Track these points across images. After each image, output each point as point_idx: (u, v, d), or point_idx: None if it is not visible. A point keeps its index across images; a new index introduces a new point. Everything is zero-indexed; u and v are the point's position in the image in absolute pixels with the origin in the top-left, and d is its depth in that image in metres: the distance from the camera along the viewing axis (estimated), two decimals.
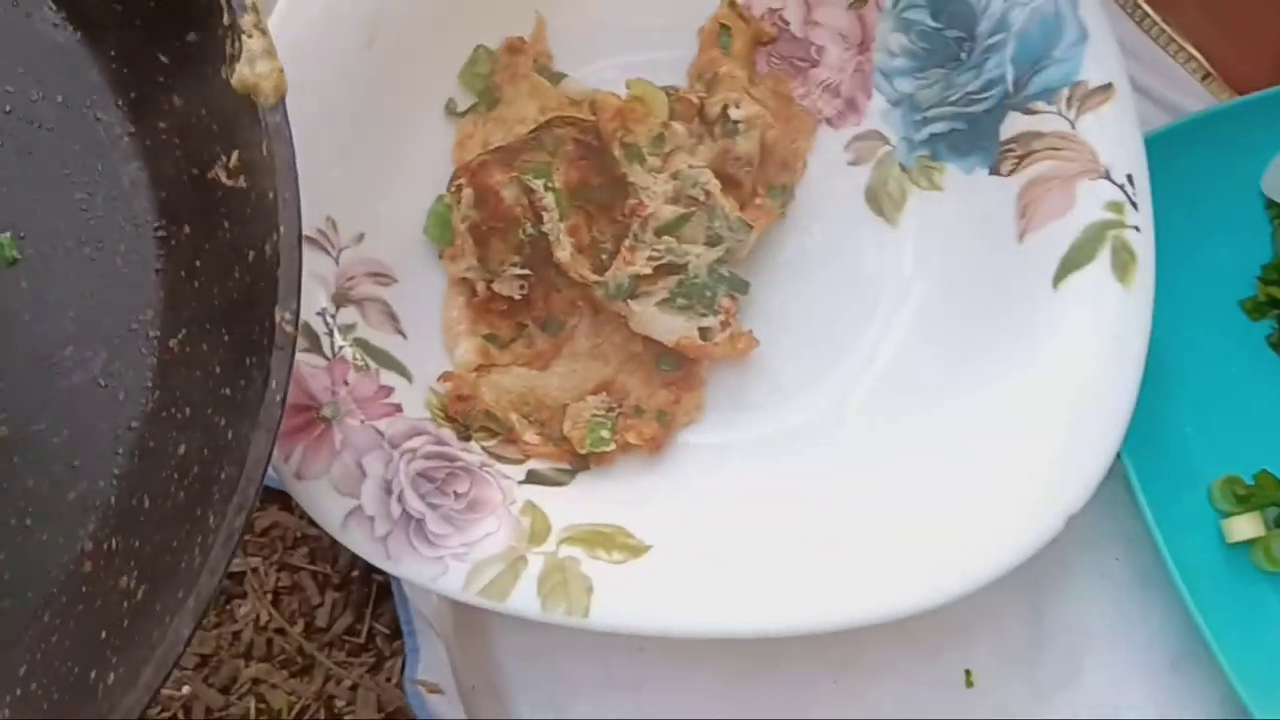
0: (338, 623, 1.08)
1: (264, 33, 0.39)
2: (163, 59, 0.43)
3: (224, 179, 0.41)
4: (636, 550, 0.44)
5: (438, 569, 0.43)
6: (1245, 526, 0.48)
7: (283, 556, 1.10)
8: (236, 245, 0.40)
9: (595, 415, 0.47)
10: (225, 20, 0.39)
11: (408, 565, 0.43)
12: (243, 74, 0.39)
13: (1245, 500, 0.48)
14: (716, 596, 0.43)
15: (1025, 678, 0.47)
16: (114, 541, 0.39)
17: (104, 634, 0.37)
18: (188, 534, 0.36)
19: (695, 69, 0.52)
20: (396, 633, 1.07)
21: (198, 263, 0.43)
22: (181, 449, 0.40)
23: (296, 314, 0.37)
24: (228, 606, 1.08)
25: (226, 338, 0.40)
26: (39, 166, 0.43)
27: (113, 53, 0.44)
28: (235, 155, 0.41)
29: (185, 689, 1.07)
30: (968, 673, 0.47)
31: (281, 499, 1.12)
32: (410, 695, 0.97)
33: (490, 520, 0.44)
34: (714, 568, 0.44)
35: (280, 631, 1.09)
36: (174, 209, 0.44)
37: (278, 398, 0.35)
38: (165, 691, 1.06)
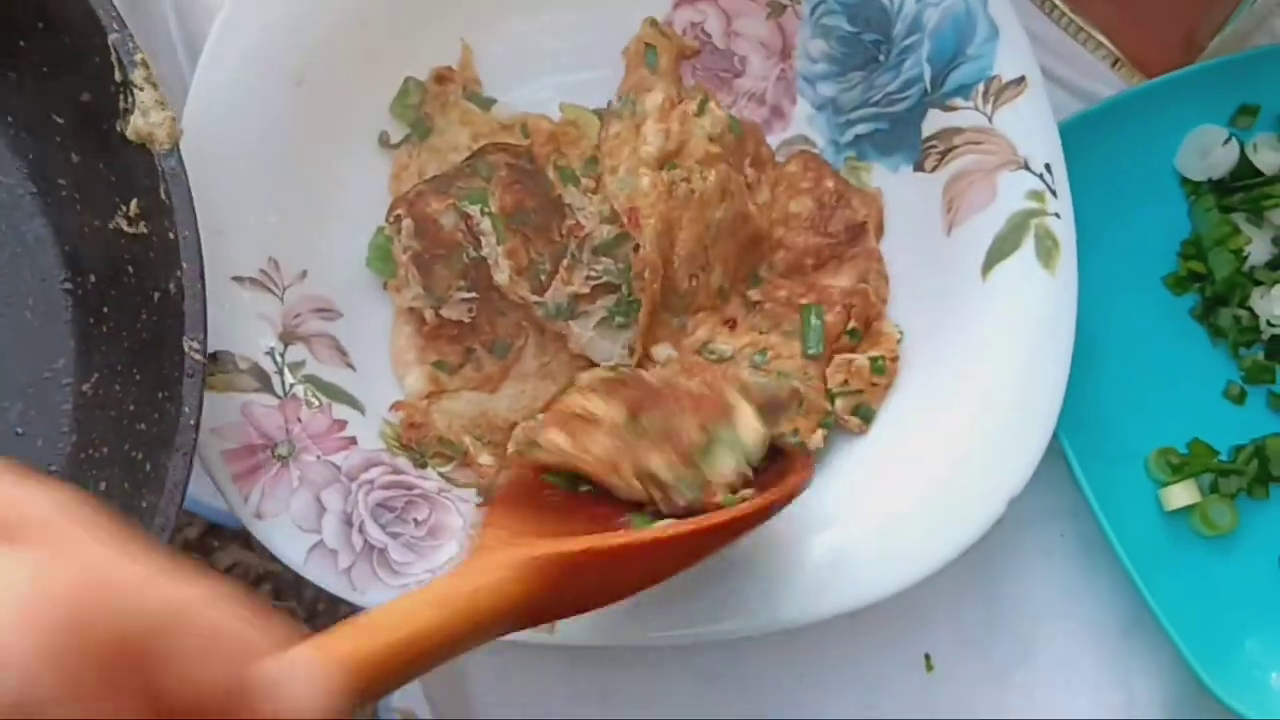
0: None
1: (155, 85, 0.42)
2: (58, 120, 0.45)
3: (125, 227, 0.43)
4: None
5: None
6: (1181, 494, 0.49)
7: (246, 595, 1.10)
8: (142, 287, 0.42)
9: None
10: (117, 77, 0.41)
11: (373, 595, 0.43)
12: (137, 125, 0.41)
13: (1179, 469, 0.50)
14: (678, 604, 0.44)
15: (982, 657, 0.48)
16: None
17: None
18: None
19: (625, 87, 0.53)
20: None
21: (105, 309, 0.44)
22: (102, 485, 0.41)
23: (204, 343, 0.39)
24: None
25: (138, 376, 0.42)
26: None
27: (10, 118, 0.46)
28: (134, 203, 0.43)
29: None
30: (927, 657, 0.48)
31: (242, 538, 1.12)
32: None
33: (452, 545, 0.45)
34: (674, 577, 0.45)
35: None
36: (79, 260, 0.45)
37: (191, 422, 0.38)
38: None
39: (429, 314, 0.50)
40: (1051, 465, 0.48)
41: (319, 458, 0.46)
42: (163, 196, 0.40)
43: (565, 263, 0.49)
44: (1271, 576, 0.49)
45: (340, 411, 0.48)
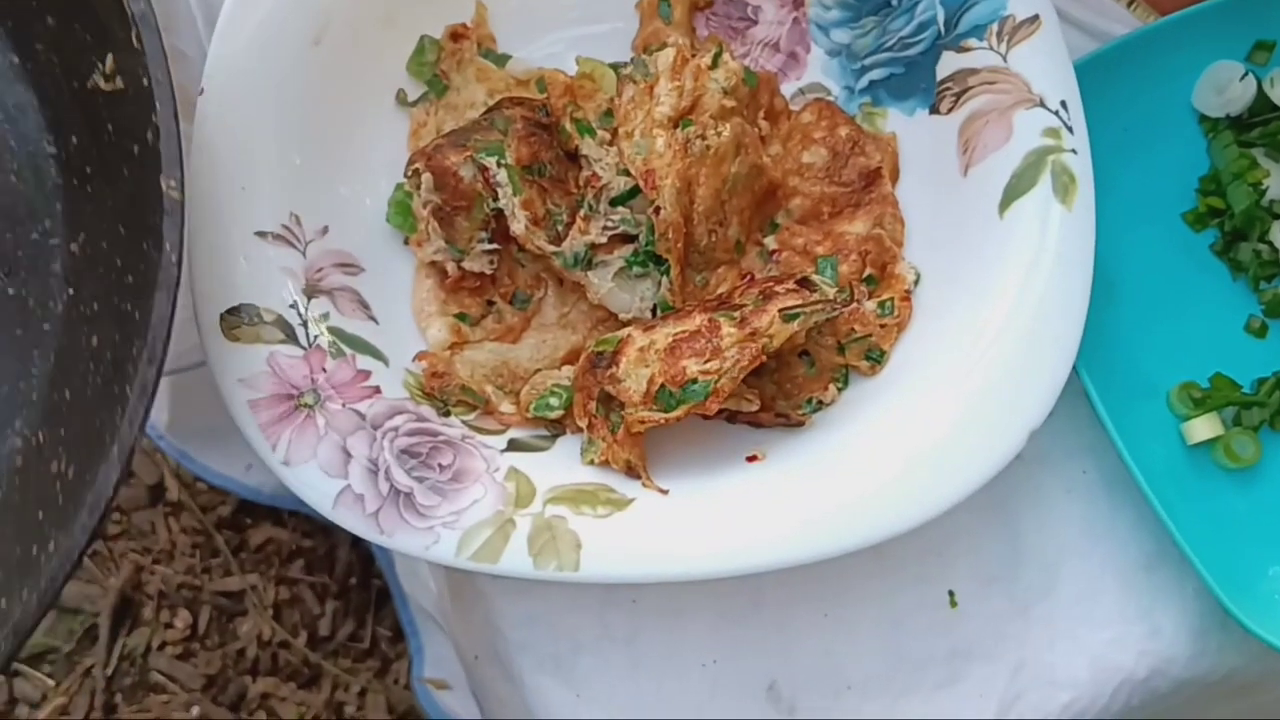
0: (340, 630, 1.09)
1: None
2: None
3: (103, 85, 0.43)
4: (620, 504, 0.45)
5: (430, 538, 0.44)
6: (1204, 428, 0.50)
7: (280, 571, 1.11)
8: (121, 144, 0.42)
9: (556, 385, 0.48)
10: None
11: (401, 538, 0.44)
12: None
13: (1202, 403, 0.50)
14: (702, 540, 0.44)
15: (1005, 593, 0.48)
16: (41, 435, 0.42)
17: (41, 514, 0.40)
18: (109, 411, 0.39)
19: (640, 40, 0.53)
20: (399, 635, 1.08)
21: (88, 169, 0.45)
22: (94, 340, 0.42)
23: (181, 180, 0.39)
24: (230, 625, 1.09)
25: (124, 231, 0.42)
26: None
27: None
28: (110, 59, 0.43)
29: (194, 710, 1.07)
30: (951, 594, 0.48)
31: (273, 515, 1.13)
32: (420, 694, 0.98)
33: (476, 488, 0.45)
34: (697, 513, 0.45)
35: (284, 645, 1.10)
36: (61, 124, 0.46)
37: (173, 258, 0.38)
38: (176, 716, 1.07)
39: (451, 267, 0.51)
40: (1072, 403, 0.48)
41: (344, 406, 0.47)
42: (135, 43, 0.41)
43: (582, 213, 0.50)
44: None
45: (364, 362, 0.48)
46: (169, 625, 1.09)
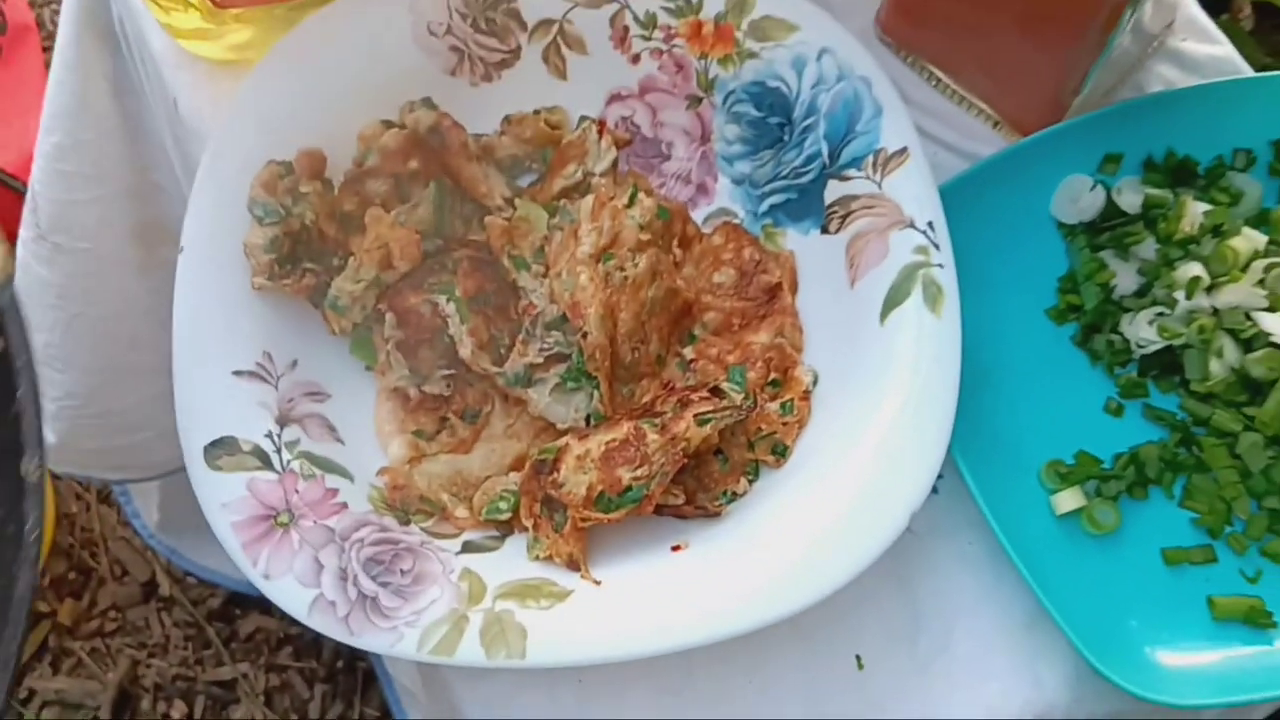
0: (330, 713, 1.14)
1: None
2: None
3: None
4: (561, 595, 0.51)
5: (394, 637, 0.50)
6: (1069, 500, 0.56)
7: (269, 658, 1.16)
8: None
9: (505, 490, 0.55)
10: None
11: (368, 638, 0.50)
12: None
13: (1067, 478, 0.56)
14: (635, 623, 0.50)
15: (907, 654, 0.54)
16: None
17: None
18: None
19: (553, 188, 0.61)
20: (386, 714, 1.13)
21: None
22: None
23: (42, 462, 0.40)
24: (224, 713, 1.14)
25: None
26: None
27: None
28: None
29: None
30: (858, 658, 0.54)
31: (261, 605, 1.18)
32: None
33: (434, 589, 0.51)
34: (630, 599, 0.51)
35: None
36: None
37: (33, 536, 0.40)
38: None
39: (413, 391, 0.58)
40: (960, 482, 0.55)
41: (315, 522, 0.53)
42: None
43: (521, 338, 0.57)
44: (1152, 565, 0.55)
45: (332, 480, 0.55)
46: (166, 716, 1.14)
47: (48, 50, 1.45)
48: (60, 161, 0.80)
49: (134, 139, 0.80)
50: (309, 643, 1.16)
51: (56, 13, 1.47)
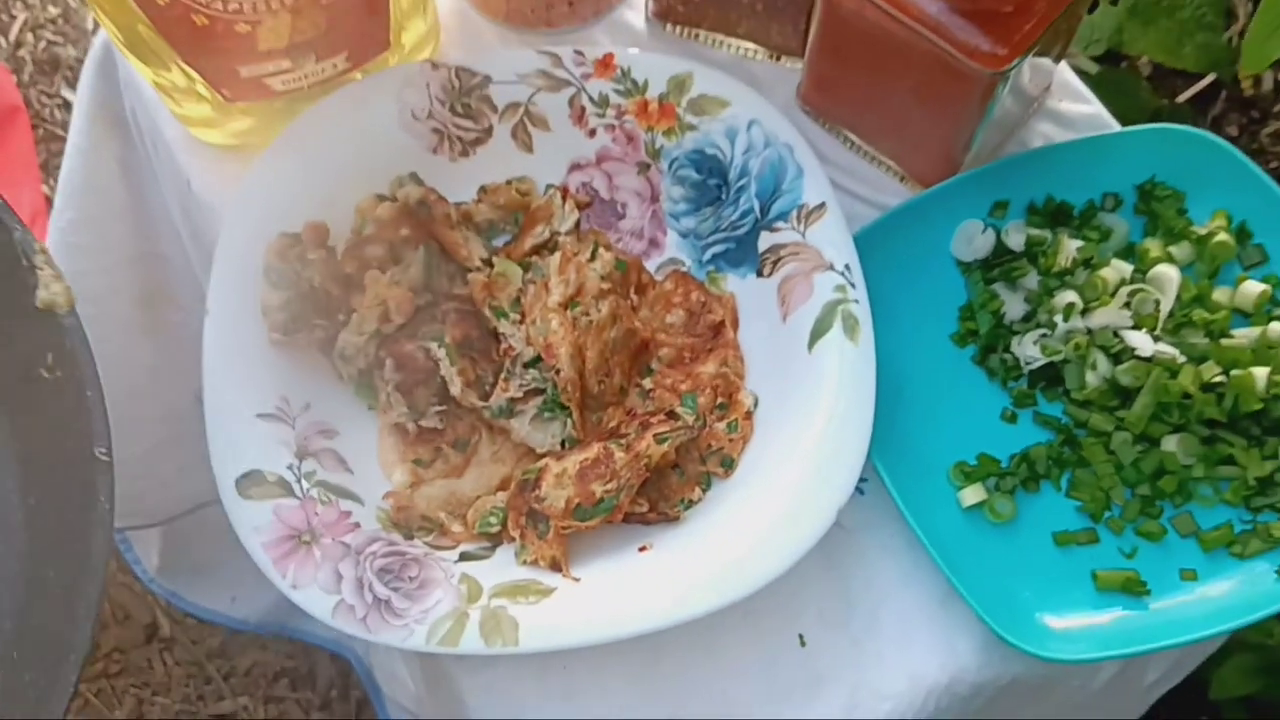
0: None
1: (52, 265, 0.54)
2: None
3: (45, 375, 0.53)
4: (545, 592, 0.60)
5: (406, 633, 0.58)
6: (973, 495, 0.63)
7: (267, 690, 1.23)
8: (63, 423, 0.51)
9: (494, 507, 0.64)
10: (25, 264, 0.54)
11: (384, 634, 0.58)
12: (41, 298, 0.53)
13: (971, 476, 0.64)
14: (609, 612, 0.58)
15: (842, 632, 0.63)
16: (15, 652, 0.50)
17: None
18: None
19: (526, 245, 0.70)
20: None
21: (40, 444, 0.53)
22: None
23: (109, 449, 0.48)
24: None
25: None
26: None
27: None
28: (50, 356, 0.52)
29: None
30: (800, 636, 0.63)
31: (258, 640, 1.25)
32: None
33: (438, 592, 0.60)
34: (604, 592, 0.60)
35: None
36: (12, 410, 0.54)
37: (107, 507, 0.49)
38: None
39: (411, 426, 0.66)
40: (881, 485, 0.64)
41: (333, 540, 0.61)
42: (66, 347, 0.51)
43: (503, 376, 0.66)
44: (1044, 547, 0.63)
45: (345, 504, 0.63)
46: None
47: (36, 128, 1.54)
48: (73, 235, 0.88)
49: (140, 214, 0.88)
50: (305, 674, 1.22)
51: (44, 93, 1.55)
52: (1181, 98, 1.32)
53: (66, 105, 1.56)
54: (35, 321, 0.53)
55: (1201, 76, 1.31)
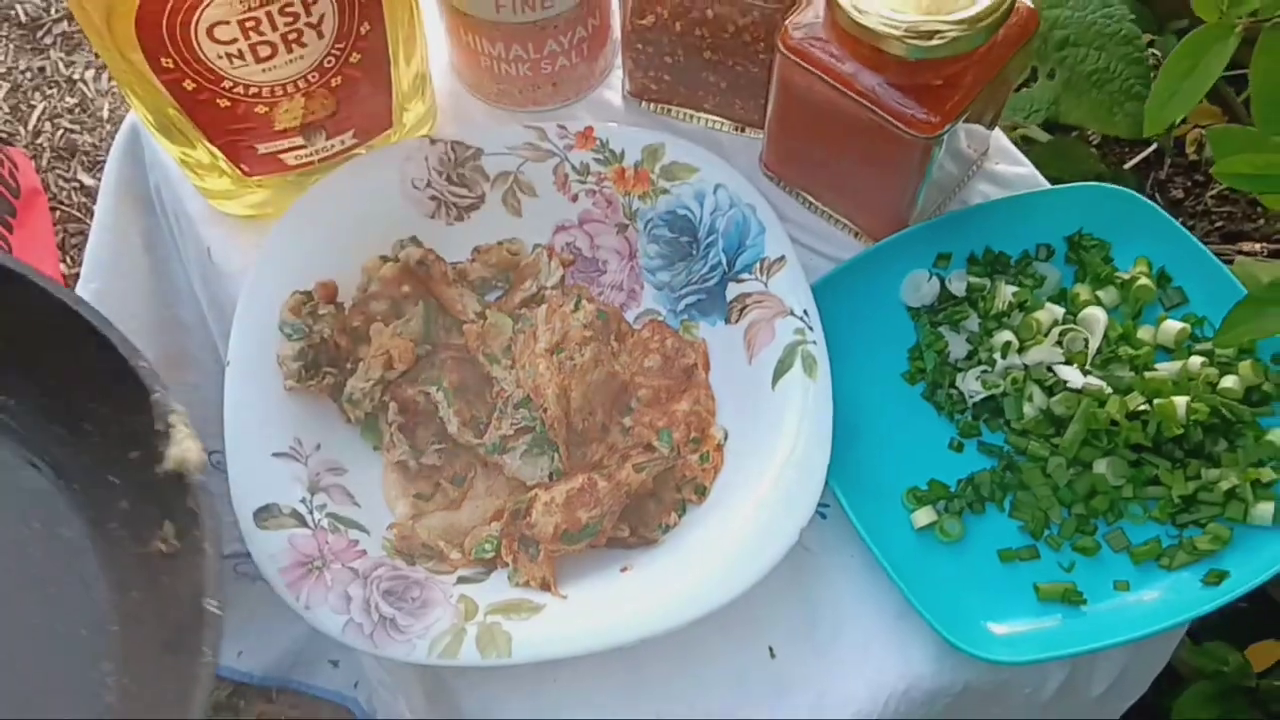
0: None
1: (186, 424, 0.51)
2: (113, 480, 0.53)
3: (162, 548, 0.49)
4: (536, 609, 0.65)
5: (409, 647, 0.64)
6: (924, 516, 0.68)
7: None
8: (175, 589, 0.48)
9: (489, 536, 0.70)
10: (159, 427, 0.50)
11: (390, 649, 0.64)
12: (173, 455, 0.49)
13: (923, 499, 0.69)
14: (593, 626, 0.64)
15: (808, 644, 0.68)
16: None
17: None
18: None
19: (517, 299, 0.78)
20: None
21: (143, 613, 0.50)
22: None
23: (221, 603, 0.45)
24: None
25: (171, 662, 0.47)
26: (18, 575, 0.53)
27: (74, 485, 0.54)
28: (169, 526, 0.49)
29: None
30: (770, 648, 0.69)
31: (264, 694, 1.29)
32: None
33: (438, 610, 0.66)
34: (589, 609, 0.66)
35: None
36: (125, 584, 0.51)
37: (211, 659, 0.44)
38: None
39: (413, 463, 0.73)
40: (841, 510, 0.71)
41: (343, 566, 0.67)
42: (193, 506, 0.47)
43: (495, 416, 0.73)
44: (990, 563, 0.67)
45: (353, 534, 0.69)
46: None
47: (54, 210, 1.62)
48: (97, 304, 0.95)
49: (162, 284, 0.95)
50: None
51: (61, 177, 1.64)
52: (1129, 164, 1.41)
53: (83, 188, 1.64)
54: (159, 489, 0.50)
55: (1146, 143, 1.40)
